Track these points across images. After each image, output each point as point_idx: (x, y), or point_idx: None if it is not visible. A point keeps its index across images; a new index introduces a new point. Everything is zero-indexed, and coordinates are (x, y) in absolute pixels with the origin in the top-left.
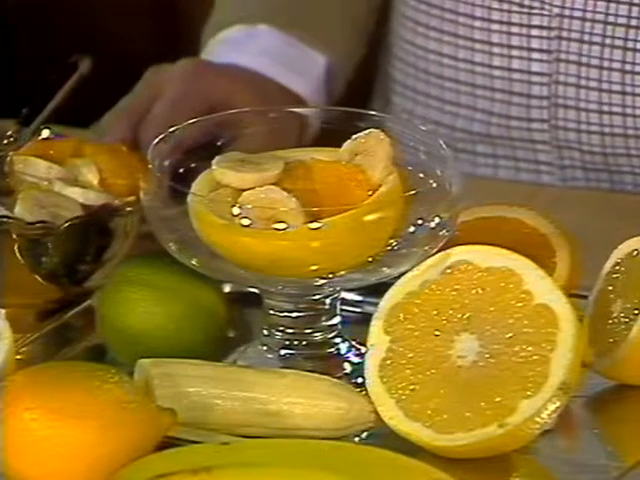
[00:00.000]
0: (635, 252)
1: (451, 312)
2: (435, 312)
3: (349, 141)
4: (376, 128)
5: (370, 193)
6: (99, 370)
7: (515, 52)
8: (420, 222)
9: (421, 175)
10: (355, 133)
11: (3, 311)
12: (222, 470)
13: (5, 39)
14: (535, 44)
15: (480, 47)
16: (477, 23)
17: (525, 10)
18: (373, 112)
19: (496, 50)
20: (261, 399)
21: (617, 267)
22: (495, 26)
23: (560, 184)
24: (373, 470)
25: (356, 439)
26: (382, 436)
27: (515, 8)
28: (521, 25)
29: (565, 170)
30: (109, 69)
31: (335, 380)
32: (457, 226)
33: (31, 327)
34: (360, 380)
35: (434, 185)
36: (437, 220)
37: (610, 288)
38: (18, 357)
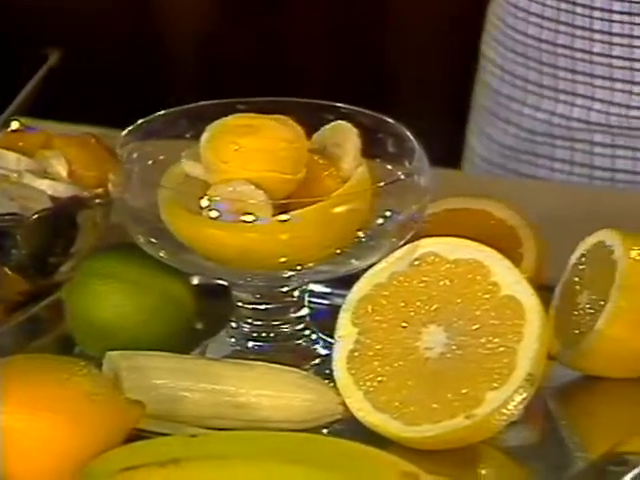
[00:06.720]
0: (601, 244)
1: (419, 304)
2: (403, 304)
3: (317, 133)
4: (344, 120)
5: (340, 184)
6: (68, 363)
7: (637, 42)
8: (388, 214)
9: (389, 167)
10: (323, 125)
11: None
12: (190, 462)
13: None
14: None
15: (600, 37)
16: (596, 14)
17: None
18: (341, 104)
19: (616, 40)
20: (229, 391)
21: (583, 258)
22: (616, 17)
23: None
24: (341, 462)
25: (324, 431)
26: (350, 428)
27: None
28: None
29: None
30: (78, 61)
31: (303, 372)
32: (425, 218)
33: None
34: (328, 372)
35: (402, 177)
36: (405, 212)
37: (576, 279)
38: None
